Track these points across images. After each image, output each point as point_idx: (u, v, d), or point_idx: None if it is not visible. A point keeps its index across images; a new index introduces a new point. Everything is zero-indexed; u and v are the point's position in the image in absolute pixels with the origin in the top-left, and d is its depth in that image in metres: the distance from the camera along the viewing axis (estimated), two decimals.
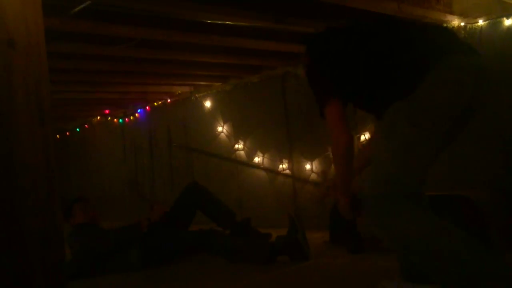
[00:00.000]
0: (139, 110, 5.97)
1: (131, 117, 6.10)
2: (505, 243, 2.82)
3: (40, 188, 1.02)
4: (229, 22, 3.11)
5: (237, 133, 4.88)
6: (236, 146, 4.86)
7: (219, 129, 5.03)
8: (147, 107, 5.85)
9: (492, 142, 3.21)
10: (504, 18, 3.13)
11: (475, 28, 3.26)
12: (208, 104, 5.15)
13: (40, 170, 1.02)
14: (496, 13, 3.17)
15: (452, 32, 1.89)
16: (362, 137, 3.90)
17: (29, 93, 1.00)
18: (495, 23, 3.18)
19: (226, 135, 4.99)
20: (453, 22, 3.32)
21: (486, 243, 2.78)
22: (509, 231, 2.96)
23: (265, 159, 4.64)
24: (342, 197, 1.87)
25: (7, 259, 1.01)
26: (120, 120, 6.24)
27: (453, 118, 1.59)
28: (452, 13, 3.30)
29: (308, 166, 4.29)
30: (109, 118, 6.43)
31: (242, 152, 4.83)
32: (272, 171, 4.40)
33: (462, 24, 3.30)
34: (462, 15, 3.29)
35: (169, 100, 5.57)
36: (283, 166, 4.47)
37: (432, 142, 1.58)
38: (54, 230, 1.04)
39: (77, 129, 7.09)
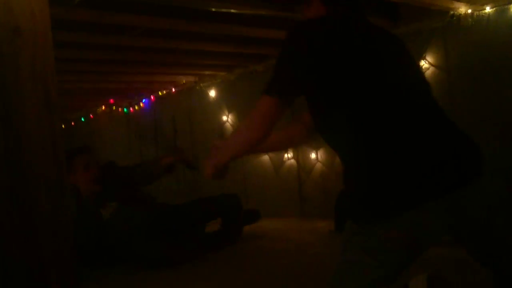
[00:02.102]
0: (144, 100, 5.97)
1: (136, 107, 6.10)
2: None
3: (49, 176, 1.02)
4: (233, 10, 3.09)
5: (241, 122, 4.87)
6: None
7: (224, 118, 5.02)
8: (152, 96, 5.85)
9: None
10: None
11: (482, 15, 3.23)
12: (212, 93, 5.14)
13: (48, 158, 1.02)
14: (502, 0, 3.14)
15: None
16: None
17: (36, 80, 1.00)
18: (502, 10, 3.14)
19: (231, 125, 4.98)
20: (460, 10, 3.29)
21: None
22: None
23: None
24: (220, 158, 1.49)
25: (20, 251, 1.02)
26: (125, 110, 6.24)
27: None
28: (459, 0, 3.26)
29: (313, 155, 4.28)
30: (114, 107, 6.43)
31: None
32: None
33: (469, 11, 3.27)
34: (469, 2, 3.25)
35: (173, 90, 5.56)
36: (288, 155, 4.47)
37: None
38: (64, 217, 1.05)
39: (82, 119, 7.11)
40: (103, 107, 6.60)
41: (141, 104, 6.01)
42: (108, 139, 6.71)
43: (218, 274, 2.74)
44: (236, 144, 1.51)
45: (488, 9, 3.19)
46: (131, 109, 6.17)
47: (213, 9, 3.07)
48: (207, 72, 5.03)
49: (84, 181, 3.05)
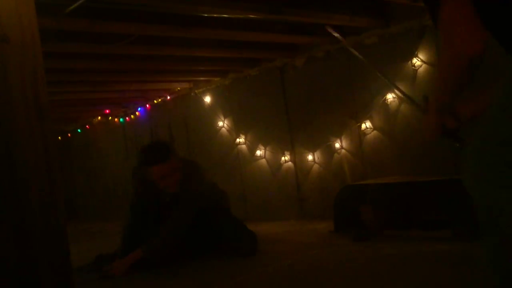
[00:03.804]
0: (139, 109, 5.97)
1: (132, 116, 6.10)
2: None
3: (41, 183, 1.02)
4: (225, 15, 3.11)
5: (238, 127, 4.88)
6: (238, 140, 4.86)
7: (220, 124, 5.02)
8: (148, 105, 5.85)
9: None
10: None
11: None
12: (208, 99, 5.14)
13: (40, 165, 1.02)
14: None
15: None
16: (363, 126, 3.90)
17: (26, 88, 1.01)
18: None
19: (227, 130, 4.98)
20: None
21: None
22: None
23: (267, 152, 4.63)
24: (433, 113, 1.29)
25: (12, 255, 1.02)
26: (121, 120, 6.25)
27: None
28: None
29: (310, 157, 4.28)
30: (110, 118, 6.44)
31: (244, 146, 4.83)
32: None
33: None
34: None
35: (169, 97, 5.57)
36: (285, 158, 4.47)
37: None
38: (57, 224, 1.05)
39: (79, 130, 7.10)
40: (99, 118, 6.61)
41: (137, 113, 6.02)
42: (105, 150, 6.71)
43: (220, 278, 2.73)
44: (444, 78, 1.20)
45: None
46: (127, 118, 6.17)
47: (205, 15, 3.09)
48: (201, 78, 5.04)
49: (161, 187, 2.98)
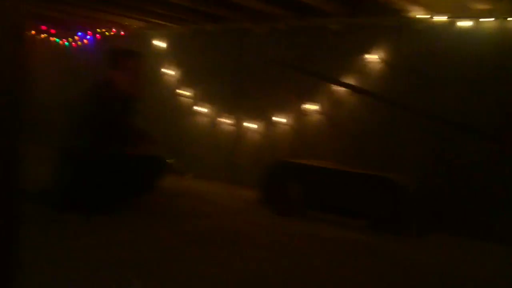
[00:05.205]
0: (88, 37, 5.69)
1: (79, 43, 5.80)
2: (419, 226, 3.06)
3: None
4: None
5: (185, 78, 4.81)
6: (181, 91, 4.79)
7: (167, 71, 4.91)
8: (98, 35, 5.58)
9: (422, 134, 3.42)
10: (460, 19, 3.28)
11: (434, 22, 3.39)
12: (160, 43, 4.99)
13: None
14: (455, 12, 3.31)
15: None
16: (309, 107, 4.00)
17: None
18: (451, 22, 3.33)
19: (173, 78, 4.89)
20: (416, 13, 3.42)
21: (402, 224, 3.01)
22: (424, 216, 3.21)
23: (211, 111, 4.62)
24: None
25: None
26: (66, 44, 5.91)
27: None
28: (417, 4, 3.37)
29: (252, 126, 4.33)
30: (52, 38, 6.03)
31: (185, 99, 4.78)
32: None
33: (423, 17, 3.41)
34: (426, 8, 3.37)
35: (122, 33, 5.34)
36: (228, 121, 4.48)
37: None
38: (11, 146, 1.01)
39: None
40: (42, 35, 6.18)
41: (85, 41, 5.72)
42: (40, 70, 6.32)
43: (135, 234, 2.70)
44: None
45: (440, 18, 3.36)
46: (73, 44, 5.85)
47: None
48: (157, 21, 4.83)
49: (129, 83, 3.07)
